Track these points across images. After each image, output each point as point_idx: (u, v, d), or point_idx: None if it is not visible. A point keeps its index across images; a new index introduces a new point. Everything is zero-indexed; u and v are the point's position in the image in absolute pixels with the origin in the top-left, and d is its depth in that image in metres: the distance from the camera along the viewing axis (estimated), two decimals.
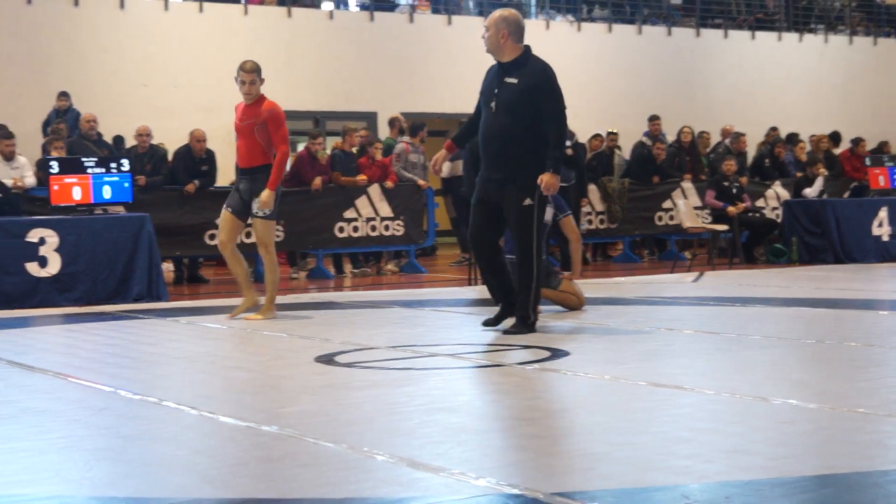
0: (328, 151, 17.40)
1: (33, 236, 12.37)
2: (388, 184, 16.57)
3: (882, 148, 22.77)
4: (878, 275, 14.88)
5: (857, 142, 21.28)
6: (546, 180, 8.50)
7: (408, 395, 6.53)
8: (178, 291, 14.45)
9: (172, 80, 19.27)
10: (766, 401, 5.76)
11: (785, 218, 18.18)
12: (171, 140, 16.88)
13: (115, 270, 12.63)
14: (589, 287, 11.78)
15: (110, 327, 10.25)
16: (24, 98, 18.66)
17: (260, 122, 9.80)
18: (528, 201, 8.61)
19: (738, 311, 10.64)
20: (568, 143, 16.42)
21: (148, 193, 14.99)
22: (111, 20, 19.96)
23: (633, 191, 18.75)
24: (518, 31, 8.80)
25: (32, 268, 12.33)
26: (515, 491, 4.12)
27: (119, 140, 17.23)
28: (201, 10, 20.94)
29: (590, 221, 18.42)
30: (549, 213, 10.86)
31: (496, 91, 8.70)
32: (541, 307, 9.10)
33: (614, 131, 19.99)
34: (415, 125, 18.05)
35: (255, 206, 9.87)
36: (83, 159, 13.20)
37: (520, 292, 8.76)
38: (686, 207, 17.94)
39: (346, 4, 23.06)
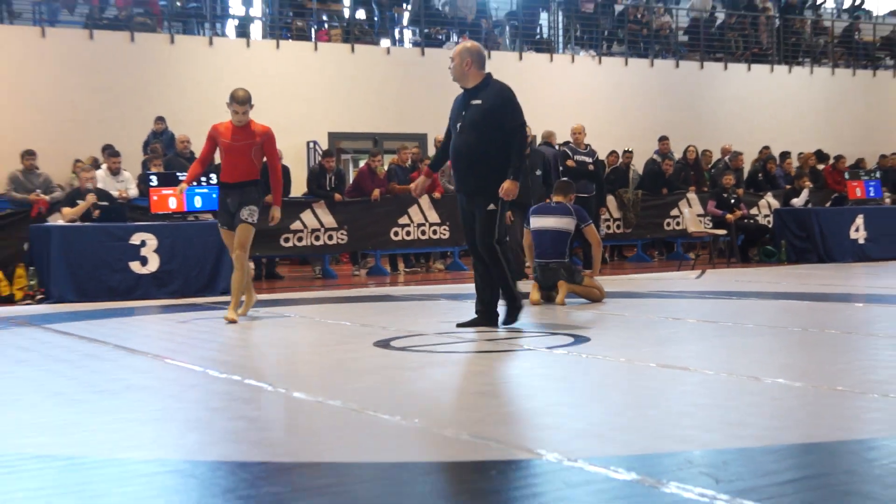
0: (385, 167, 17.44)
1: (136, 239, 12.46)
2: (436, 194, 16.57)
3: (859, 164, 22.72)
4: (855, 273, 14.78)
5: (838, 159, 21.23)
6: (506, 186, 8.22)
7: (452, 374, 6.54)
8: (257, 286, 14.49)
9: (255, 107, 19.33)
10: (758, 380, 5.74)
11: (775, 224, 18.16)
12: None
13: (204, 268, 12.71)
14: (607, 283, 11.74)
15: (200, 316, 10.30)
16: (128, 122, 18.77)
17: (258, 144, 9.45)
18: (491, 206, 8.36)
19: (734, 304, 10.60)
20: (589, 159, 16.43)
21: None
22: (201, 55, 20.05)
23: (645, 201, 18.72)
24: (480, 60, 8.54)
25: (135, 266, 12.42)
26: (545, 456, 4.12)
27: None
28: (278, 46, 21.01)
29: (608, 227, 18.40)
30: (570, 224, 10.88)
31: (463, 113, 8.45)
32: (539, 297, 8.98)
33: (629, 150, 19.97)
34: None
35: (245, 213, 9.41)
36: (178, 174, 13.28)
37: (500, 286, 8.51)
38: (690, 215, 17.91)
39: (401, 42, 23.08)
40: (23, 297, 12.18)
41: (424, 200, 16.47)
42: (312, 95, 20.98)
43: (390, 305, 11.32)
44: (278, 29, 21.46)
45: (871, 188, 18.45)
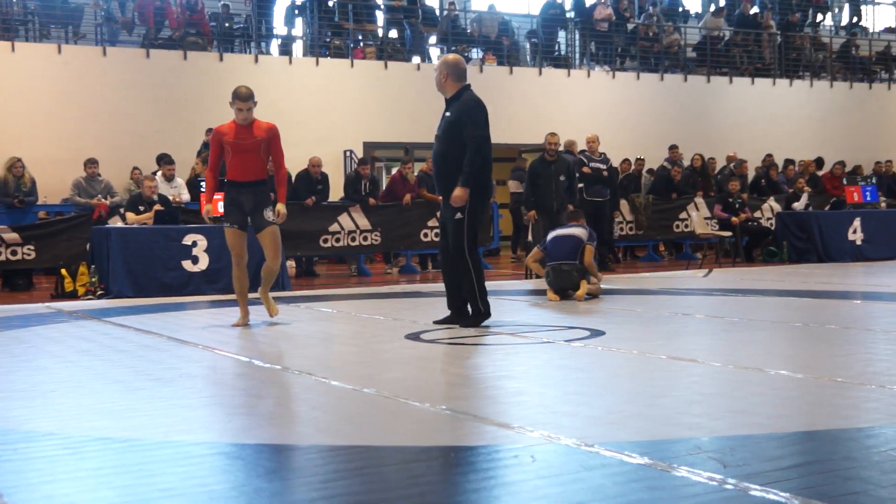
0: (416, 173, 17.45)
1: (188, 240, 12.51)
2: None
3: (856, 171, 22.59)
4: (853, 272, 14.68)
5: (835, 166, 21.14)
6: (455, 193, 8.09)
7: (478, 365, 6.52)
8: (298, 283, 14.53)
9: (295, 119, 19.33)
10: (762, 371, 5.70)
11: (777, 226, 18.09)
12: (294, 165, 16.94)
13: (250, 266, 12.68)
14: (620, 280, 11.72)
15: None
16: (181, 132, 18.83)
17: (264, 141, 8.60)
18: (458, 215, 8.20)
19: (739, 301, 10.54)
20: (604, 166, 16.39)
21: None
22: (248, 71, 20.08)
23: (656, 204, 18.68)
24: (456, 72, 8.31)
25: (187, 264, 12.47)
26: (563, 441, 4.11)
27: None
28: (317, 63, 21.04)
29: (621, 229, 18.37)
30: (585, 235, 10.93)
31: (440, 123, 8.35)
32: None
33: (641, 157, 19.94)
34: None
35: (270, 215, 8.69)
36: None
37: (466, 293, 8.34)
38: (698, 218, 17.84)
39: (430, 59, 23.08)
40: (85, 293, 12.25)
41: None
42: (349, 108, 21.01)
43: (420, 301, 11.31)
44: (318, 47, 21.49)
45: (867, 193, 18.36)
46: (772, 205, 19.25)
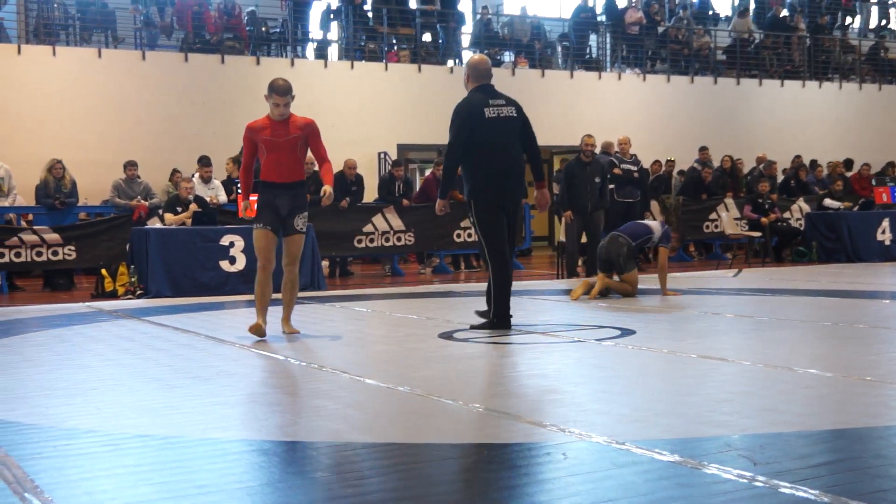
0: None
1: (225, 241, 12.57)
2: (439, 206, 16.53)
3: (885, 171, 22.40)
4: (882, 272, 14.56)
5: (864, 167, 21.01)
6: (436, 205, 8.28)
7: (511, 364, 6.52)
8: (332, 283, 14.57)
9: (331, 121, 19.38)
10: (791, 370, 5.66)
11: (807, 226, 17.97)
12: None
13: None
14: (651, 280, 11.66)
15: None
16: (218, 135, 18.92)
17: (302, 138, 7.82)
18: (470, 219, 8.24)
19: (769, 300, 10.47)
20: (634, 168, 16.34)
21: (311, 208, 15.09)
22: (284, 74, 19.99)
23: (686, 205, 18.56)
24: (475, 73, 8.17)
25: (224, 265, 12.53)
26: (595, 439, 4.10)
27: None
28: (352, 67, 21.09)
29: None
30: (657, 228, 10.91)
31: None
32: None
33: (672, 159, 19.85)
34: None
35: (299, 223, 7.91)
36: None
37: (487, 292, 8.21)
38: (728, 218, 17.77)
39: (461, 62, 23.09)
40: (124, 293, 12.32)
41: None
42: (383, 111, 21.05)
43: (453, 301, 11.31)
44: (353, 51, 21.54)
45: None
46: (801, 205, 19.13)
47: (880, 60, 27.15)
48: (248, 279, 12.52)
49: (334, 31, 22.12)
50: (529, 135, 8.21)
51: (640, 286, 10.96)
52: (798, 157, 21.67)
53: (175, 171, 16.90)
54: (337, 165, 16.19)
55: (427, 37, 22.80)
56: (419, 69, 21.62)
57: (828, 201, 18.34)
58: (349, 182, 16.13)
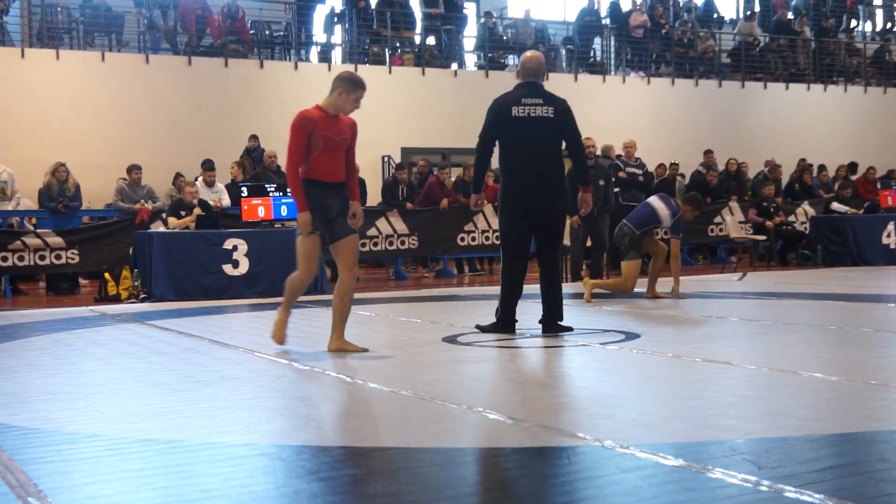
0: (453, 179, 17.47)
1: (228, 244, 12.57)
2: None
3: (890, 175, 22.38)
4: (887, 275, 14.54)
5: (869, 170, 21.00)
6: None
7: (514, 368, 6.52)
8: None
9: None
10: (797, 374, 5.66)
11: (812, 230, 17.98)
12: None
13: (289, 270, 12.65)
14: (664, 283, 11.62)
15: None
16: (222, 138, 18.93)
17: (351, 138, 7.44)
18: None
19: (774, 304, 10.47)
20: (640, 171, 16.36)
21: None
22: (287, 78, 20.18)
23: None
24: (522, 70, 8.04)
25: (227, 268, 12.53)
26: (598, 443, 4.09)
27: None
28: (356, 70, 21.06)
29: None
30: (667, 217, 10.88)
31: None
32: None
33: (676, 162, 19.84)
34: None
35: (352, 222, 7.30)
36: (266, 185, 13.38)
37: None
38: (732, 222, 17.76)
39: (465, 65, 23.11)
40: (128, 297, 12.33)
41: (488, 209, 16.50)
42: (387, 114, 21.03)
43: (457, 304, 11.31)
44: (356, 54, 21.54)
45: None
46: (806, 209, 19.11)
47: (885, 63, 27.13)
48: (252, 283, 12.55)
49: (338, 35, 22.14)
50: (569, 137, 7.94)
51: (645, 289, 10.96)
52: (803, 160, 21.67)
53: (178, 175, 16.92)
54: None
55: (431, 40, 22.81)
56: (423, 72, 21.62)
57: (835, 205, 18.33)
58: None
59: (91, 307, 11.56)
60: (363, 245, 15.56)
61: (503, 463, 3.94)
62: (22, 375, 6.41)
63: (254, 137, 18.14)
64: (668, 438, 4.15)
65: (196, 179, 15.06)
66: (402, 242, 16.00)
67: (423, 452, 4.10)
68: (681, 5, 26.70)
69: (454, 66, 22.52)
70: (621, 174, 15.78)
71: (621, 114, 22.89)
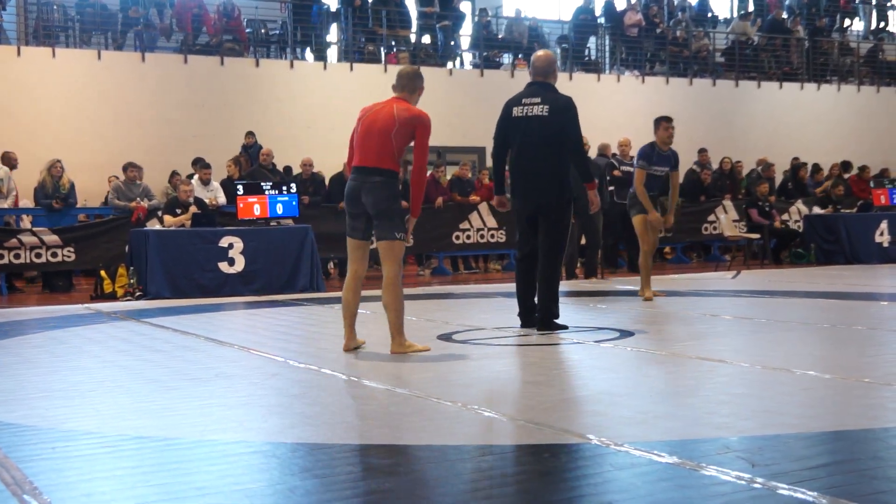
0: (448, 177, 17.47)
1: (224, 242, 12.56)
2: (494, 202, 16.56)
3: (883, 174, 22.42)
4: (880, 274, 14.56)
5: (863, 169, 21.05)
6: None
7: (509, 365, 6.51)
8: (332, 284, 14.56)
9: (331, 124, 19.36)
10: (790, 372, 5.66)
11: (805, 228, 18.00)
12: (329, 169, 17.02)
13: (285, 268, 12.77)
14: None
15: (281, 311, 10.36)
16: (218, 137, 18.90)
17: None
18: None
19: (767, 302, 10.47)
20: (632, 169, 16.34)
21: (310, 210, 15.13)
22: (283, 77, 20.16)
23: (685, 207, 18.54)
24: (532, 70, 8.15)
25: (223, 266, 12.52)
26: (593, 440, 4.09)
27: (288, 169, 17.41)
28: (351, 69, 21.06)
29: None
30: None
31: None
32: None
33: None
34: None
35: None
36: (262, 183, 13.37)
37: None
38: (726, 220, 17.77)
39: (462, 64, 23.08)
40: (123, 294, 12.32)
41: (483, 207, 16.52)
42: None
43: (452, 302, 11.30)
44: (352, 53, 21.52)
45: (894, 196, 18.19)
46: (799, 207, 19.14)
47: (878, 63, 27.15)
48: (247, 280, 12.55)
49: (333, 33, 22.12)
50: (566, 135, 7.86)
51: (630, 286, 10.98)
52: (796, 158, 21.68)
53: (174, 174, 16.91)
54: (336, 167, 16.22)
55: (426, 38, 22.80)
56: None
57: (816, 209, 18.42)
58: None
59: (87, 305, 11.55)
60: None
61: (498, 460, 3.94)
62: (18, 373, 6.41)
63: (250, 134, 18.12)
64: (662, 436, 4.15)
65: (192, 177, 15.03)
66: None
67: (418, 450, 4.10)
68: (675, 4, 26.69)
69: (450, 64, 22.50)
70: (616, 172, 15.78)
71: (616, 112, 22.88)
